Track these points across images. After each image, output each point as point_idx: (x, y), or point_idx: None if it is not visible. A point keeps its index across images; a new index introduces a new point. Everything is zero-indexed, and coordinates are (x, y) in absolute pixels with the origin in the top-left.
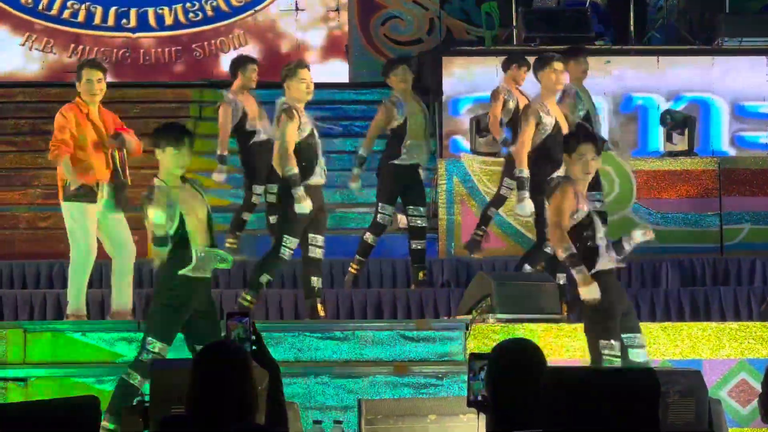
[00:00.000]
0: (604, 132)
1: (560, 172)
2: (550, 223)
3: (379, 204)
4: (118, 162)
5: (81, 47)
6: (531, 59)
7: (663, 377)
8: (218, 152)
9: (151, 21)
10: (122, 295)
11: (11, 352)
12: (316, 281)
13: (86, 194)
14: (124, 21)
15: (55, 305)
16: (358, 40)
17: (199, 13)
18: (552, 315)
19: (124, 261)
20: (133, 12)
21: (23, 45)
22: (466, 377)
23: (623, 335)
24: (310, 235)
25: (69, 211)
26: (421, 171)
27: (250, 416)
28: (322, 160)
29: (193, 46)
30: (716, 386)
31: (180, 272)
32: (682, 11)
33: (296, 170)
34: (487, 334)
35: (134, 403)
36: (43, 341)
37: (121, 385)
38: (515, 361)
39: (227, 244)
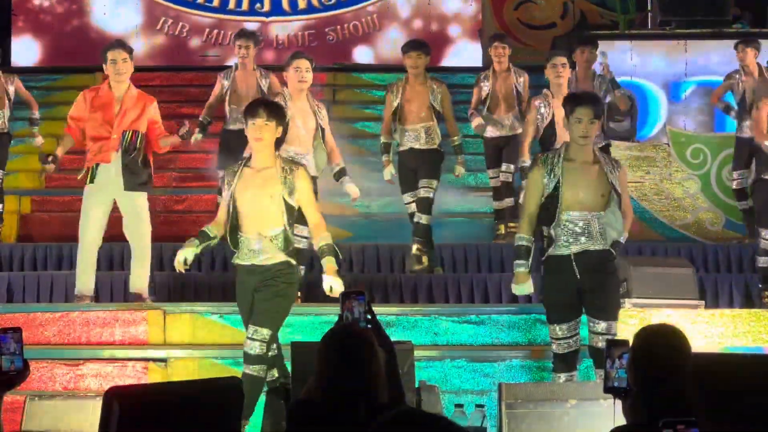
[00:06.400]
0: None
1: None
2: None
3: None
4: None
5: (216, 32)
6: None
7: None
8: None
9: (285, 5)
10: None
11: (152, 334)
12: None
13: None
14: (258, 5)
15: (193, 287)
16: (491, 24)
17: None
18: (689, 300)
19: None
20: None
21: (159, 29)
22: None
23: None
24: None
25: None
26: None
27: (379, 397)
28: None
29: (327, 29)
30: None
31: (233, 261)
32: None
33: None
34: (624, 318)
35: (277, 385)
36: (183, 323)
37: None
38: (660, 347)
39: None
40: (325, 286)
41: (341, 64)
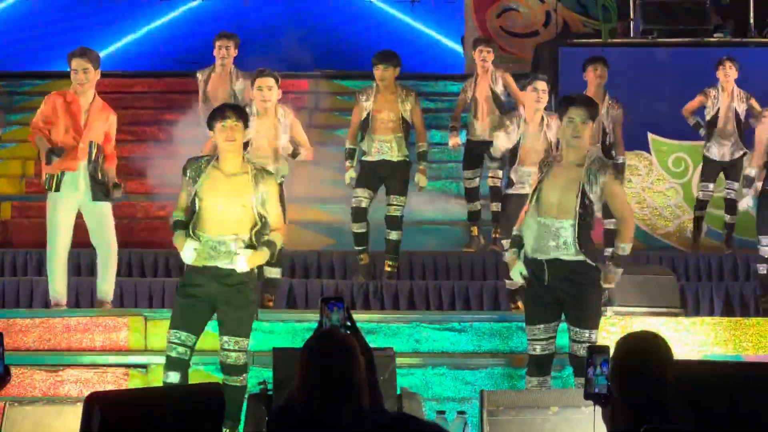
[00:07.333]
0: None
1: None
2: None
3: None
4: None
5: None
6: None
7: None
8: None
9: None
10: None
11: (132, 339)
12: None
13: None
14: None
15: (173, 293)
16: (474, 31)
17: None
18: (670, 308)
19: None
20: None
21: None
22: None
23: None
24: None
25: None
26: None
27: (360, 402)
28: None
29: None
30: None
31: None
32: None
33: None
34: (605, 326)
35: (258, 390)
36: (163, 329)
37: None
38: (642, 354)
39: None
40: (235, 258)
41: (323, 70)
